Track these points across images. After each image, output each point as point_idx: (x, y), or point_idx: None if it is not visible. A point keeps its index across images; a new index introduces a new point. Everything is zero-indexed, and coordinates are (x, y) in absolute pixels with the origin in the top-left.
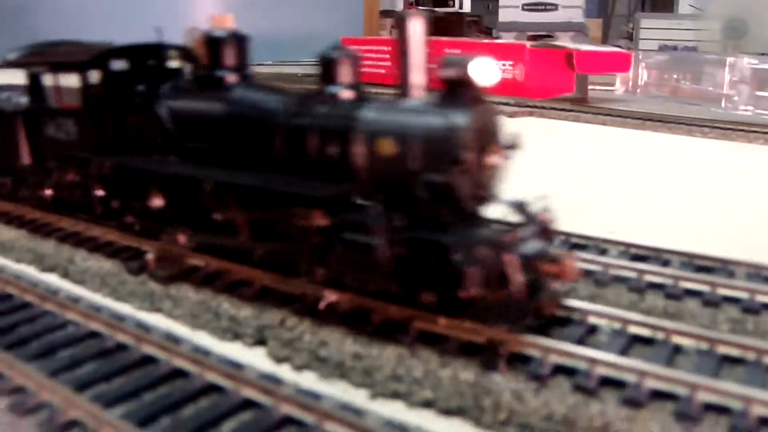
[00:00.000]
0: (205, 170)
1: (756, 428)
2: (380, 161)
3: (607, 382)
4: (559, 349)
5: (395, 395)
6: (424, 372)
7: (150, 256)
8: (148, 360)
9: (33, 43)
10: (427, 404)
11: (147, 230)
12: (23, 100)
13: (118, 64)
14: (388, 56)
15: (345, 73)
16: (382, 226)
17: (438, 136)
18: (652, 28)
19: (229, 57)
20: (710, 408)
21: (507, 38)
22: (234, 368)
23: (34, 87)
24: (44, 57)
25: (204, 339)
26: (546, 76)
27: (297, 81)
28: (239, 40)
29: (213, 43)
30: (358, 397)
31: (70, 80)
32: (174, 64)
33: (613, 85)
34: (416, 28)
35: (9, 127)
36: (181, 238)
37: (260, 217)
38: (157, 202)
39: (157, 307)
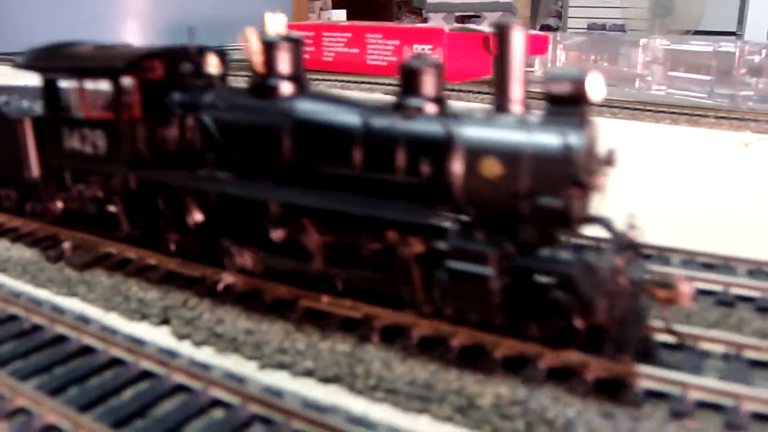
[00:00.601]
0: (273, 190)
1: None
2: (481, 182)
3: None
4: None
5: (281, 366)
6: (307, 345)
7: (66, 245)
8: (61, 339)
9: (42, 45)
10: (308, 373)
11: (185, 250)
12: (27, 104)
13: (153, 70)
14: (311, 41)
15: (429, 85)
16: (496, 254)
17: (553, 157)
18: (581, 6)
19: (288, 64)
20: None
21: (435, 19)
22: (136, 344)
23: (51, 93)
24: (67, 61)
25: (115, 320)
26: (464, 60)
27: None
28: (297, 45)
29: (270, 49)
30: (248, 368)
31: (99, 87)
32: (212, 69)
33: (532, 66)
34: (518, 39)
35: (13, 135)
36: (248, 260)
37: (343, 242)
38: (198, 219)
39: (73, 292)
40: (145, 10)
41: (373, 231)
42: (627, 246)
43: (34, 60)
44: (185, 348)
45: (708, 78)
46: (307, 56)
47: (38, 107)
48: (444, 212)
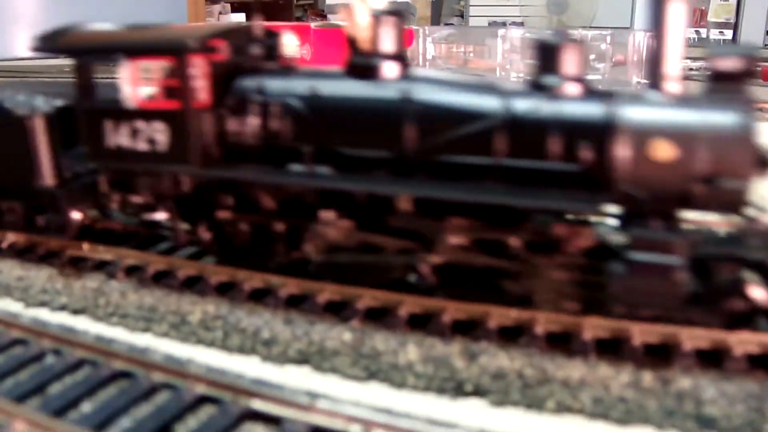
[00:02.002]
0: (405, 185)
1: None
2: (650, 166)
3: None
4: None
5: (42, 304)
6: (64, 285)
7: None
8: None
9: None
10: (63, 308)
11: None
12: (39, 99)
13: (219, 51)
14: None
15: (571, 63)
16: (683, 243)
17: (734, 136)
18: (482, 5)
19: (396, 41)
20: None
21: (336, 19)
22: None
23: (86, 80)
24: (115, 40)
25: None
26: (330, 54)
27: (110, 71)
28: (402, 20)
29: (378, 24)
30: (16, 307)
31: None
32: (290, 50)
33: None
34: (678, 12)
35: (20, 135)
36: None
37: (491, 239)
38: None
39: None
40: (37, 17)
41: (521, 223)
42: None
43: (65, 40)
44: None
45: None
46: None
47: (46, 103)
48: (609, 200)
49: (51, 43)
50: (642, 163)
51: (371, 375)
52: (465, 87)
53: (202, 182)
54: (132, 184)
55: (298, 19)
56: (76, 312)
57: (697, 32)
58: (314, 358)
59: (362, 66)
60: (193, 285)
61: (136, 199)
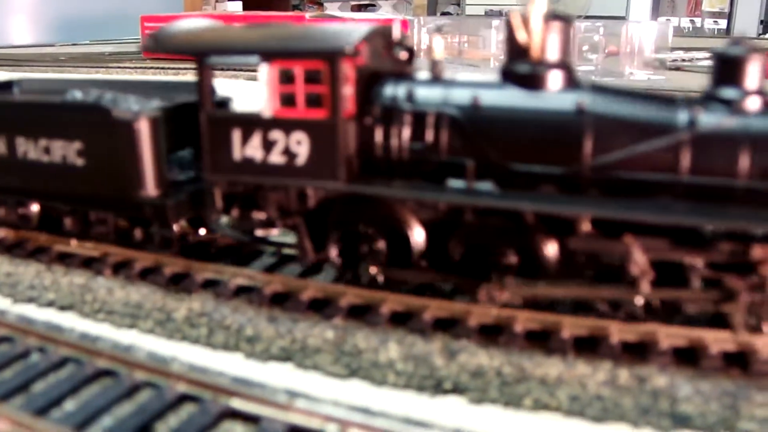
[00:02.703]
0: (588, 204)
1: None
2: None
3: None
4: None
5: (29, 300)
6: (52, 281)
7: None
8: None
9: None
10: (50, 304)
11: (396, 281)
12: (135, 101)
13: (363, 55)
14: None
15: (752, 76)
16: None
17: None
18: None
19: (558, 48)
20: None
21: (332, 8)
22: None
23: (207, 83)
24: (250, 41)
25: None
26: None
27: (104, 61)
28: (568, 24)
29: (549, 30)
30: (4, 303)
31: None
32: (438, 55)
33: None
34: None
35: (120, 140)
36: (502, 294)
37: (676, 262)
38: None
39: None
40: (33, 6)
41: (705, 245)
42: None
43: (186, 39)
44: None
45: None
46: None
47: (139, 103)
48: None
49: (170, 43)
50: None
51: (352, 372)
52: (642, 99)
53: (329, 198)
54: (255, 199)
55: (295, 8)
56: (63, 308)
57: (692, 22)
58: (297, 355)
59: (526, 74)
60: (180, 282)
61: (259, 215)
